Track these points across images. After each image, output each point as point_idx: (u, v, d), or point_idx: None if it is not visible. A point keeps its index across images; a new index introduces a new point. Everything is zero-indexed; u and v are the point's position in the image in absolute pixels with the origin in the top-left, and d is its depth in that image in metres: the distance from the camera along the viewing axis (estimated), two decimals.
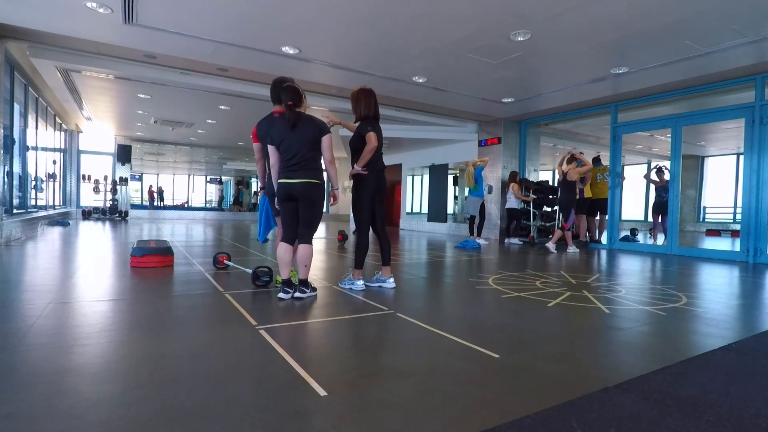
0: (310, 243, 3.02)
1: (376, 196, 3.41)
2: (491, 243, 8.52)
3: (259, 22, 4.92)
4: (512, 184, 8.58)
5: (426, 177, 13.05)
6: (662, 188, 7.69)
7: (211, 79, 7.13)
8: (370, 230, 3.50)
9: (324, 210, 3.29)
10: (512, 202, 8.58)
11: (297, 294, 2.98)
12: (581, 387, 1.60)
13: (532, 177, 9.82)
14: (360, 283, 3.35)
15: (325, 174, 3.12)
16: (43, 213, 8.90)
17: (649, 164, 7.74)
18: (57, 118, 10.68)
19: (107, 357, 1.81)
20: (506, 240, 8.64)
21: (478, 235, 8.41)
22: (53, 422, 1.25)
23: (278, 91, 3.01)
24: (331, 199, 3.21)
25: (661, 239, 7.80)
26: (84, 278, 3.54)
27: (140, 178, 16.66)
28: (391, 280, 3.46)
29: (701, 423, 1.33)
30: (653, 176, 8.08)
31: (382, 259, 3.52)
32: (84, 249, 5.56)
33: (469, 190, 8.60)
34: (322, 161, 3.08)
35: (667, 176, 7.39)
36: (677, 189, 6.95)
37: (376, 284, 3.48)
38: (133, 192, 16.07)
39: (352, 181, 3.42)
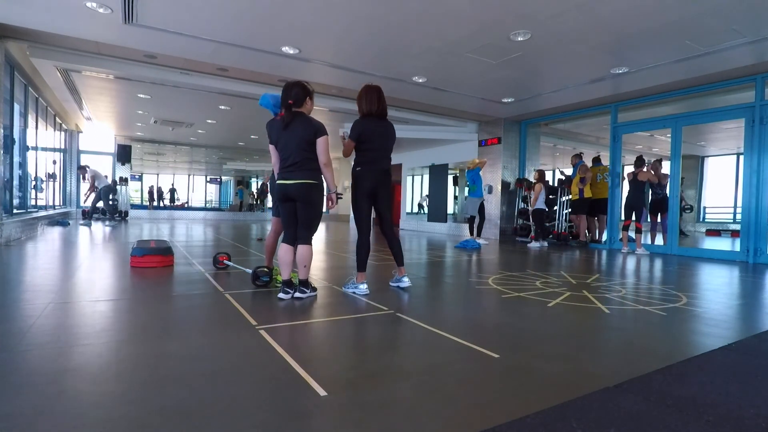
0: (310, 243, 3.01)
1: (378, 196, 3.36)
2: (491, 243, 8.52)
3: (259, 22, 4.92)
4: (541, 185, 8.09)
5: (426, 177, 13.05)
6: (657, 185, 7.34)
7: (211, 79, 7.13)
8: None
9: (323, 210, 3.26)
10: (541, 203, 8.07)
11: (297, 294, 2.98)
12: (581, 387, 1.60)
13: (532, 177, 9.82)
14: (363, 287, 3.23)
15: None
16: (43, 213, 8.90)
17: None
18: (57, 118, 10.68)
19: (107, 357, 1.81)
20: (537, 243, 8.00)
21: (478, 235, 8.41)
22: (53, 422, 1.25)
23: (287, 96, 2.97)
24: (328, 202, 3.14)
25: (658, 240, 7.64)
26: (84, 278, 3.54)
27: (140, 178, 16.66)
28: (406, 279, 3.44)
29: (701, 423, 1.32)
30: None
31: (395, 260, 3.48)
32: (84, 249, 5.56)
33: (468, 191, 8.58)
34: None
35: (663, 170, 7.13)
36: (677, 188, 6.95)
37: (395, 284, 3.48)
38: (133, 192, 16.08)
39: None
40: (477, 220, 8.43)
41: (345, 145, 3.35)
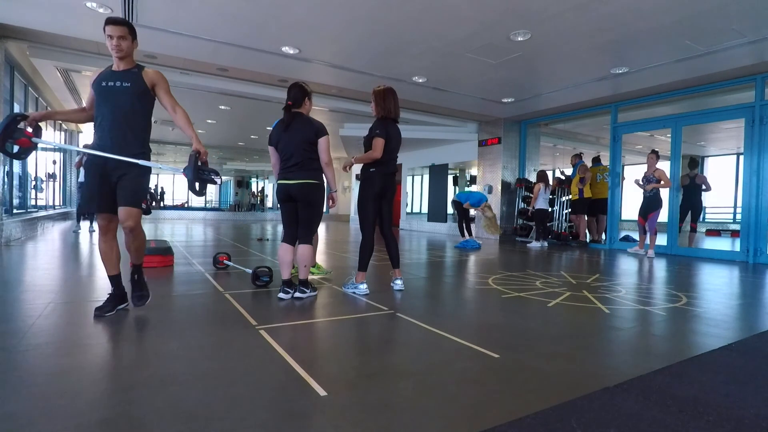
0: (310, 243, 3.02)
1: (385, 198, 3.36)
2: (491, 243, 8.51)
3: (259, 22, 4.92)
4: (541, 184, 8.10)
5: (426, 177, 13.05)
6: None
7: (211, 79, 7.13)
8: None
9: (324, 210, 3.26)
10: (544, 203, 8.11)
11: (297, 294, 2.98)
12: (581, 387, 1.60)
13: (533, 177, 9.81)
14: (363, 287, 3.23)
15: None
16: (43, 213, 8.89)
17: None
18: None
19: (107, 357, 1.81)
20: (537, 243, 8.05)
21: (469, 234, 8.37)
22: (53, 422, 1.25)
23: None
24: (330, 201, 3.15)
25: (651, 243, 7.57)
26: (84, 278, 3.54)
27: None
28: (399, 281, 3.41)
29: (701, 423, 1.33)
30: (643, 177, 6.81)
31: (391, 262, 3.46)
32: (83, 249, 5.56)
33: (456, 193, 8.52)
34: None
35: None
36: (676, 188, 6.95)
37: (393, 286, 3.45)
38: None
39: (358, 180, 3.38)
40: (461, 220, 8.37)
41: (375, 145, 3.23)
